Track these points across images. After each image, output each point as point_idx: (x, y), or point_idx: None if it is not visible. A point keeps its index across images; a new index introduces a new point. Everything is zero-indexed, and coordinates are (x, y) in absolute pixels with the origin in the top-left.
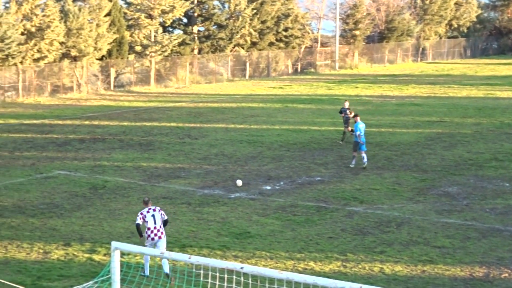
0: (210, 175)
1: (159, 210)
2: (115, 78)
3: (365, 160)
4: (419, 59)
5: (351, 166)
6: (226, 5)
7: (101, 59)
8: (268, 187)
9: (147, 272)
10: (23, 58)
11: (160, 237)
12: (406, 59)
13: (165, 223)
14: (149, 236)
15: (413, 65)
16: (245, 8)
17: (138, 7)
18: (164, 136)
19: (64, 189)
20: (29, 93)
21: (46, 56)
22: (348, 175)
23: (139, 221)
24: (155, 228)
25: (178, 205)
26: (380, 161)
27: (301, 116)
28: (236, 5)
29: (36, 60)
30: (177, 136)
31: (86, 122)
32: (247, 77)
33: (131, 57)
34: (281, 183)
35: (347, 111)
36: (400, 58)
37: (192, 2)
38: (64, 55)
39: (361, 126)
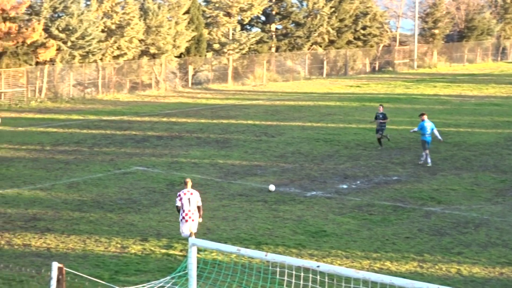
0: (287, 173)
1: (196, 195)
2: (193, 75)
3: (429, 160)
4: (499, 58)
5: (428, 164)
6: (304, 3)
7: (179, 56)
8: (345, 186)
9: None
10: (103, 55)
11: (193, 220)
12: (486, 58)
13: (199, 210)
14: (183, 218)
15: (493, 64)
16: (323, 6)
17: (217, 5)
18: (241, 133)
19: (142, 185)
20: (109, 89)
21: (125, 53)
22: (425, 175)
23: (178, 203)
24: (189, 211)
25: (254, 202)
26: (459, 161)
27: None
28: (314, 3)
29: (116, 57)
30: (254, 134)
31: (164, 119)
32: (324, 75)
33: (209, 54)
34: (358, 182)
35: (381, 116)
36: (480, 57)
37: (271, 0)
38: (143, 53)
39: (427, 124)
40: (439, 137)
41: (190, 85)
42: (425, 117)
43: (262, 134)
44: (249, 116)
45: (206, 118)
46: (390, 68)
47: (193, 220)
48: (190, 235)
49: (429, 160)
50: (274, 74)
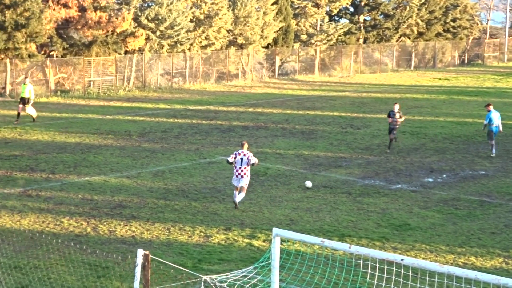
0: (372, 165)
1: (249, 155)
2: (280, 66)
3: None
4: None
5: (492, 155)
6: None
7: (266, 47)
8: (430, 180)
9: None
10: (191, 45)
11: (242, 176)
12: None
13: (252, 164)
14: (235, 173)
15: None
16: None
17: None
18: (326, 125)
19: (226, 174)
20: (196, 79)
21: (213, 43)
22: None
23: (230, 159)
24: (240, 168)
25: (338, 194)
26: None
27: (466, 108)
28: None
29: (204, 47)
30: (340, 126)
31: (250, 109)
32: (412, 67)
33: (296, 45)
34: (444, 175)
35: (396, 115)
36: None
37: None
38: (231, 43)
39: (494, 115)
40: (500, 128)
41: (276, 75)
42: (491, 107)
43: (348, 126)
44: (335, 107)
45: (292, 109)
46: (480, 61)
47: (242, 177)
48: (241, 189)
49: (493, 151)
50: (361, 66)
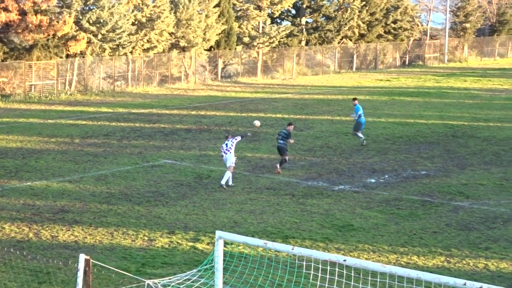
0: (315, 167)
1: (232, 139)
2: (223, 68)
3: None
4: None
5: (364, 144)
6: None
7: (209, 49)
8: (373, 180)
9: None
10: (133, 48)
11: (226, 153)
12: None
13: (242, 137)
14: (223, 153)
15: None
16: (354, 0)
17: None
18: (269, 127)
19: (169, 178)
20: (138, 82)
21: (155, 47)
22: (454, 170)
23: (221, 153)
24: (226, 149)
25: (281, 196)
26: (488, 156)
27: (408, 109)
28: None
29: (146, 50)
30: (283, 127)
31: (193, 112)
32: (354, 69)
33: (239, 48)
34: (386, 176)
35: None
36: (511, 51)
37: None
38: (173, 46)
39: (360, 107)
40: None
41: (219, 78)
42: (357, 101)
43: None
44: (277, 109)
45: (235, 111)
46: (421, 62)
47: (225, 153)
48: (228, 168)
49: (363, 140)
50: (303, 68)
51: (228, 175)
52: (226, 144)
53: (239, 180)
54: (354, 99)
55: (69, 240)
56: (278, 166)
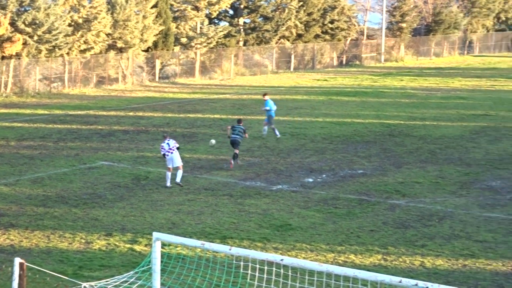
0: (253, 167)
1: (173, 141)
2: (160, 69)
3: (277, 132)
4: (465, 52)
5: (278, 136)
6: None
7: (146, 50)
8: (310, 180)
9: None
10: (69, 49)
11: (172, 153)
12: (453, 52)
13: (178, 148)
14: (166, 155)
15: (459, 58)
16: (291, 0)
17: None
18: (207, 128)
19: (107, 179)
20: (75, 84)
21: (92, 48)
22: (390, 168)
23: (162, 151)
24: (170, 149)
25: (219, 196)
26: (424, 154)
27: (345, 108)
28: None
29: (83, 51)
30: (221, 128)
31: (131, 114)
32: (292, 69)
33: (177, 48)
34: (323, 175)
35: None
36: (447, 51)
37: None
38: (110, 47)
39: (271, 102)
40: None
41: (157, 79)
42: (267, 96)
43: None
44: (216, 110)
45: (173, 112)
46: (358, 62)
47: (172, 152)
48: (176, 169)
49: (266, 131)
50: (241, 68)
51: (181, 173)
52: (168, 144)
53: (174, 180)
54: (264, 94)
55: (4, 244)
56: (232, 161)
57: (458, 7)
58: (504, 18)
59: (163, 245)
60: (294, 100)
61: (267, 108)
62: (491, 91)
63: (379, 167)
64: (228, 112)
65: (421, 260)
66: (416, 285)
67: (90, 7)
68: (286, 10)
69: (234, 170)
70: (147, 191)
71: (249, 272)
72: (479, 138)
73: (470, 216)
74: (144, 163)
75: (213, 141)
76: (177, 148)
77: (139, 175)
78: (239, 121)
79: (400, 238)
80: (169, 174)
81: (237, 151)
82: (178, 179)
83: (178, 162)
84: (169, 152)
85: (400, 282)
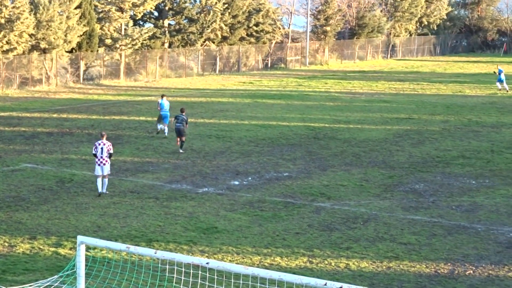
0: (178, 169)
1: (108, 145)
2: (85, 71)
3: (166, 131)
4: (389, 56)
5: (163, 134)
6: None
7: (70, 51)
8: (236, 182)
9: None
10: None
11: (104, 164)
12: (376, 55)
13: (110, 155)
14: (97, 162)
15: (383, 62)
16: (216, 3)
17: (109, 0)
18: (132, 130)
19: (30, 182)
20: None
21: (15, 48)
22: (316, 171)
23: (94, 151)
24: (101, 157)
25: (145, 199)
26: (348, 157)
27: (270, 111)
28: None
29: (5, 52)
30: (146, 130)
31: (55, 115)
32: (217, 71)
33: (101, 50)
34: (249, 178)
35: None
36: (370, 54)
37: None
38: (34, 47)
39: (165, 102)
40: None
41: (81, 80)
42: (165, 98)
43: (154, 131)
44: (141, 112)
45: (98, 114)
46: (283, 65)
47: (104, 164)
48: (104, 177)
49: (159, 128)
50: (167, 70)
51: (106, 182)
52: (102, 150)
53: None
54: (162, 96)
55: None
56: (180, 150)
57: (381, 11)
58: (426, 23)
59: (88, 248)
60: (219, 102)
61: (164, 108)
62: (414, 94)
63: (304, 170)
64: (153, 114)
65: (346, 262)
66: (341, 287)
67: (13, 7)
68: (211, 13)
69: (159, 172)
70: (72, 194)
71: (175, 275)
72: (402, 141)
73: (394, 218)
74: (69, 166)
75: (160, 126)
76: (110, 156)
77: (63, 178)
78: (181, 110)
79: (326, 241)
80: (99, 180)
81: (183, 138)
82: (104, 189)
83: (107, 170)
84: (100, 161)
85: (325, 285)
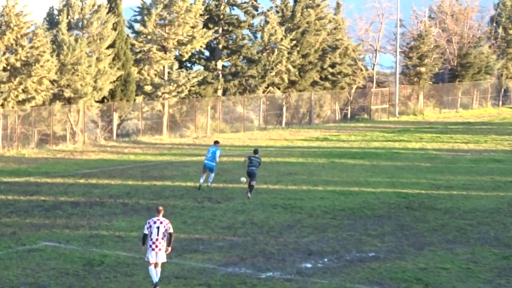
0: (236, 248)
1: (166, 224)
2: (119, 125)
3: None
4: (500, 103)
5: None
6: (259, 34)
7: (101, 101)
8: (309, 265)
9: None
10: (4, 100)
11: (159, 249)
12: (484, 103)
13: (169, 238)
14: (150, 246)
15: (493, 110)
16: (282, 39)
17: (149, 37)
18: (178, 198)
19: (52, 265)
20: (11, 143)
21: (33, 98)
22: (410, 250)
23: (146, 231)
24: (157, 240)
25: (194, 286)
26: (451, 232)
27: (351, 174)
28: (271, 35)
29: (21, 102)
30: (195, 199)
31: (81, 181)
32: (283, 124)
33: (139, 99)
34: (325, 259)
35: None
36: (477, 101)
37: (216, 31)
38: (56, 97)
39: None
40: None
41: (115, 137)
42: (217, 145)
43: (205, 200)
44: (188, 176)
45: (135, 179)
46: (366, 116)
47: (159, 250)
48: (156, 265)
49: (201, 182)
50: (220, 123)
51: (160, 272)
52: (158, 230)
53: (140, 267)
54: (215, 142)
55: None
56: (249, 194)
57: (489, 47)
58: None
59: None
60: (287, 163)
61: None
62: None
63: (395, 249)
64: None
65: None
66: None
67: (31, 47)
68: (276, 51)
69: (212, 252)
70: (103, 280)
71: None
72: None
73: None
74: (99, 244)
75: (243, 179)
76: (170, 239)
77: (92, 260)
78: (255, 151)
79: None
80: (151, 269)
81: (254, 183)
82: (156, 277)
83: (162, 258)
84: (155, 245)
85: None
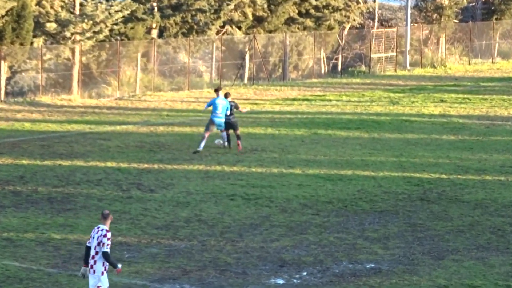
0: (176, 257)
1: (101, 236)
2: (9, 79)
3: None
4: None
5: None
6: None
7: None
8: (280, 281)
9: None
10: None
11: (94, 271)
12: None
13: (104, 256)
14: (88, 256)
15: None
16: None
17: None
18: (94, 185)
19: None
20: None
21: None
22: (425, 260)
23: (88, 243)
24: (93, 257)
25: None
26: (484, 234)
27: (342, 152)
28: None
29: None
30: (118, 186)
31: None
32: (245, 80)
33: (39, 42)
34: (304, 273)
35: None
36: None
37: None
38: None
39: (221, 103)
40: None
41: (2, 97)
42: (221, 92)
43: (132, 187)
44: (109, 153)
45: (32, 157)
46: (364, 68)
47: (94, 271)
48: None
49: (202, 146)
50: (155, 78)
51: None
52: (92, 240)
53: (39, 282)
54: (217, 89)
55: None
56: (239, 143)
57: None
58: None
59: None
60: (250, 135)
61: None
62: None
63: (403, 258)
64: (132, 156)
65: None
66: None
67: None
68: None
69: (142, 262)
70: None
71: None
72: None
73: None
74: None
75: (219, 141)
76: (105, 257)
77: None
78: (226, 95)
79: None
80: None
81: (238, 132)
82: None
83: (96, 282)
84: (90, 264)
85: None
